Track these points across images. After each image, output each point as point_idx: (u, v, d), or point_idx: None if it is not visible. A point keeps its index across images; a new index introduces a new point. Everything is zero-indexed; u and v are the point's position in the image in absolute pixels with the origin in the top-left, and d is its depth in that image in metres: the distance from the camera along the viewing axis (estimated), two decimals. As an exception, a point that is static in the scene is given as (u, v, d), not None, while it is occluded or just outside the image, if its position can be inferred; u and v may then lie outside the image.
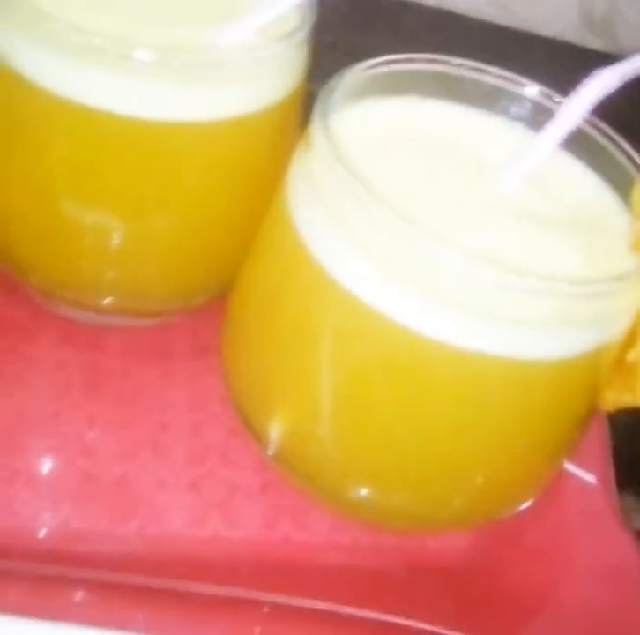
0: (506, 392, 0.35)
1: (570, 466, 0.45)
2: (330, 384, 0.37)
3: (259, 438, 0.40)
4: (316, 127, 0.35)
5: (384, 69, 0.39)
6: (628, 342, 0.37)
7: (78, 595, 0.37)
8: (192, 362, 0.46)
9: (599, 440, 0.46)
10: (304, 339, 0.37)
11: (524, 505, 0.41)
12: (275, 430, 0.39)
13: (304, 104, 0.43)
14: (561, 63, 0.83)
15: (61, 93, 0.37)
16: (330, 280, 0.34)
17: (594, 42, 0.86)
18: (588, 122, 0.39)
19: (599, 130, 0.39)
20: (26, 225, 0.42)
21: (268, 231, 0.38)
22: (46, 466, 0.42)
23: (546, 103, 0.40)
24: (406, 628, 0.39)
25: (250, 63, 0.39)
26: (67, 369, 0.45)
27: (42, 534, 0.40)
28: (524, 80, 0.40)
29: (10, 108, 0.40)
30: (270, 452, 0.40)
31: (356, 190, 0.33)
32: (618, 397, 0.39)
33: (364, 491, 0.39)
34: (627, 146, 0.39)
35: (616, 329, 0.36)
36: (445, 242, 0.32)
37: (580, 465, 0.45)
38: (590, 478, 0.45)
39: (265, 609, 0.38)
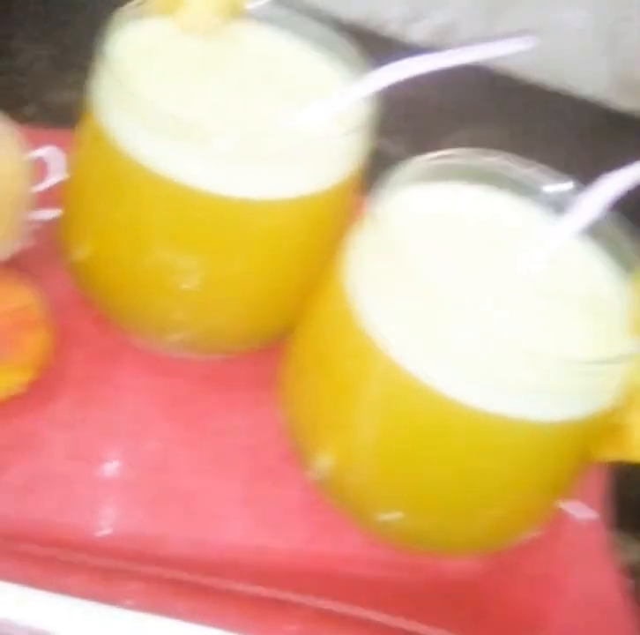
0: (515, 447, 0.42)
1: (570, 505, 0.51)
2: (368, 431, 0.44)
3: (308, 465, 0.47)
4: (370, 212, 0.42)
5: (434, 162, 0.45)
6: (621, 408, 0.44)
7: (140, 585, 0.44)
8: (253, 393, 0.52)
9: (599, 482, 0.52)
10: (348, 390, 0.44)
11: (526, 537, 0.48)
12: (322, 461, 0.46)
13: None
14: (592, 124, 0.90)
15: (156, 168, 0.44)
16: (372, 344, 0.41)
17: (626, 105, 0.91)
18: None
19: (613, 219, 0.45)
20: (121, 276, 0.49)
21: (325, 292, 0.45)
22: (125, 476, 0.48)
23: (571, 194, 0.46)
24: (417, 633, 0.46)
25: (322, 149, 0.45)
26: (147, 394, 0.51)
27: (119, 534, 0.46)
28: (552, 171, 0.47)
29: (115, 178, 0.47)
30: (316, 478, 0.47)
31: (398, 270, 0.40)
32: (610, 452, 0.46)
33: (392, 518, 0.46)
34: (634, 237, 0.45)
35: (611, 398, 0.43)
36: (475, 323, 0.39)
37: (580, 504, 0.51)
38: (587, 516, 0.51)
39: (306, 611, 0.45)
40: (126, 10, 0.47)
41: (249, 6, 0.50)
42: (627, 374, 0.42)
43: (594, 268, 0.46)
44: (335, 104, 0.46)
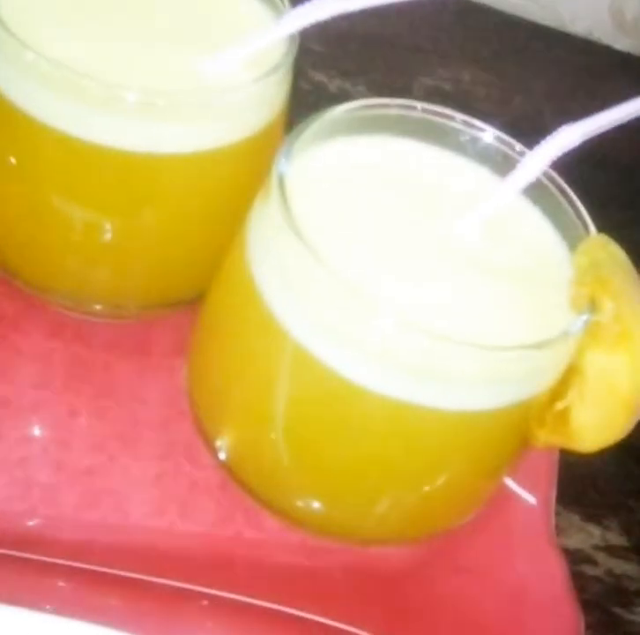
0: (436, 436, 0.38)
1: (513, 486, 0.47)
2: (271, 415, 0.39)
3: (212, 445, 0.43)
4: (273, 174, 0.36)
5: (356, 113, 0.40)
6: (559, 391, 0.39)
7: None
8: (169, 360, 0.48)
9: (546, 462, 0.48)
10: (251, 369, 0.39)
11: (459, 524, 0.44)
12: (226, 443, 0.42)
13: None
14: (586, 62, 0.84)
15: (46, 121, 0.39)
16: (275, 324, 0.36)
17: (623, 43, 0.86)
18: (546, 174, 0.40)
19: (556, 184, 0.40)
20: (13, 233, 0.45)
21: (228, 262, 0.40)
22: (21, 452, 0.44)
23: (508, 151, 0.41)
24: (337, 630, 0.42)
25: (234, 98, 0.40)
26: (52, 360, 0.47)
27: (8, 516, 0.42)
28: (485, 126, 0.42)
29: (7, 136, 0.42)
30: (222, 459, 0.43)
31: (300, 251, 0.34)
32: (549, 438, 0.41)
33: (305, 508, 0.42)
34: (579, 204, 0.40)
35: (545, 382, 0.38)
36: (382, 305, 0.34)
37: (523, 485, 0.47)
38: (531, 498, 0.47)
39: (205, 602, 0.41)
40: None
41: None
42: (560, 358, 0.37)
43: (533, 233, 0.41)
44: (250, 47, 0.41)
